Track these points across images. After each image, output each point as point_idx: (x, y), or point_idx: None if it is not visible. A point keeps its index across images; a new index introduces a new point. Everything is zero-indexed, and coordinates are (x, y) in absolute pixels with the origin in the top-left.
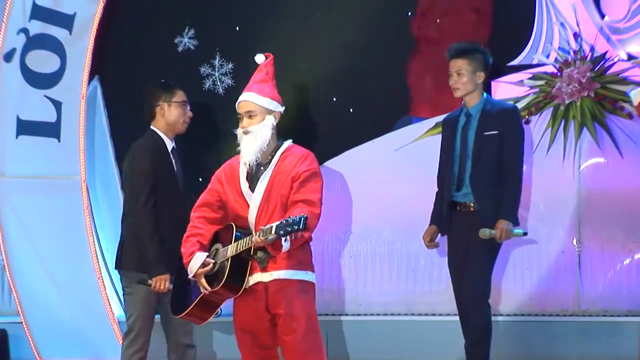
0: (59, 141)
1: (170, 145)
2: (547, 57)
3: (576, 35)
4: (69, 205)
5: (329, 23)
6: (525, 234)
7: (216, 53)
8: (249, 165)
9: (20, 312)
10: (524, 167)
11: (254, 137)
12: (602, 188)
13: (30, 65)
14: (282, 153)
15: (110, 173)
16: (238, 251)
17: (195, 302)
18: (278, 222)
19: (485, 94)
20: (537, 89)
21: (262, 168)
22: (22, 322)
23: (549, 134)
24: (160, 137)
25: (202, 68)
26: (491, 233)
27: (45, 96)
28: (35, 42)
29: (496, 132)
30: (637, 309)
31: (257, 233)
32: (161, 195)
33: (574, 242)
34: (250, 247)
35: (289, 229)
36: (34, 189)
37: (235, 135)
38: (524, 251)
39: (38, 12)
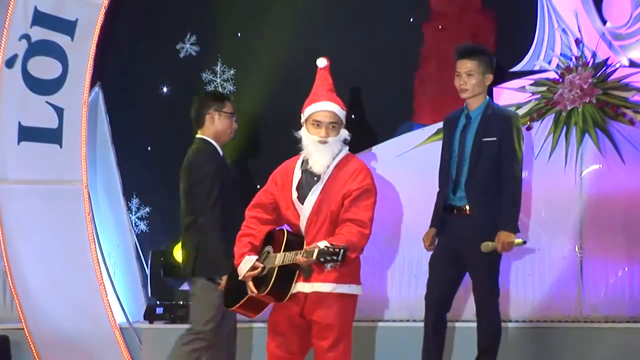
0: (61, 147)
1: (220, 152)
2: (549, 63)
3: (578, 42)
4: (71, 212)
5: (331, 29)
6: (524, 242)
7: (218, 59)
8: (309, 168)
9: (21, 318)
10: (525, 174)
11: (330, 148)
12: (603, 194)
13: (32, 71)
14: (337, 165)
15: (112, 179)
16: (284, 263)
17: (244, 300)
18: (320, 248)
19: (487, 98)
20: (539, 95)
21: (315, 178)
22: (23, 329)
23: (551, 140)
24: (212, 144)
25: (203, 74)
26: (493, 246)
27: (47, 102)
28: (37, 48)
29: (495, 138)
30: (639, 315)
31: (302, 252)
32: (223, 199)
33: (576, 248)
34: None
35: (328, 258)
36: (35, 195)
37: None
38: (525, 258)
39: (40, 18)
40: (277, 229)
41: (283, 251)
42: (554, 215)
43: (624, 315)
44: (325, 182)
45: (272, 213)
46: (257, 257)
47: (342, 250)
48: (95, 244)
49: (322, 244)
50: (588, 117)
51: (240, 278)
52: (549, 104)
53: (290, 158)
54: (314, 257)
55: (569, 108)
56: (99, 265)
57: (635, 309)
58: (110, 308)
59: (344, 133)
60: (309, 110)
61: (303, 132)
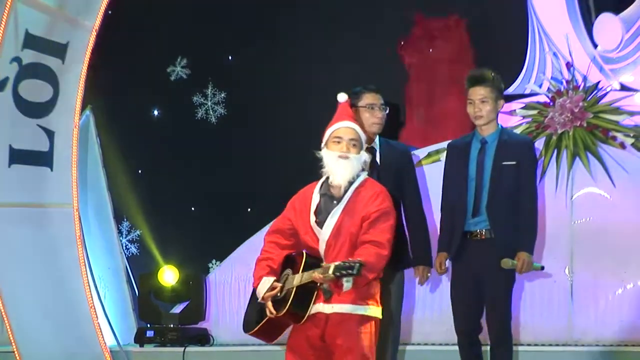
0: (52, 170)
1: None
2: (540, 86)
3: (569, 65)
4: (62, 234)
5: (321, 53)
6: (542, 268)
7: (209, 82)
8: (342, 189)
9: (12, 341)
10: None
11: (351, 164)
12: (594, 218)
13: (23, 94)
14: (356, 188)
15: (102, 202)
16: (302, 282)
17: (263, 323)
18: (337, 263)
19: (499, 124)
20: (530, 119)
21: (334, 202)
22: (14, 352)
23: (542, 164)
24: None
25: (194, 97)
26: (513, 264)
27: (38, 125)
28: (28, 71)
29: (514, 162)
30: (630, 338)
31: (319, 270)
32: None
33: (566, 271)
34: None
35: (344, 272)
36: (26, 217)
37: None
38: (516, 281)
39: (31, 41)
40: (296, 252)
41: (301, 272)
42: (544, 238)
43: (615, 339)
44: (344, 206)
45: (291, 238)
46: (275, 278)
47: (357, 264)
48: (85, 266)
49: (333, 264)
50: (579, 140)
51: (259, 300)
52: (540, 127)
53: (310, 184)
54: (330, 271)
55: (559, 131)
56: (89, 288)
57: (625, 333)
58: (100, 331)
59: (364, 155)
60: (331, 129)
61: (323, 151)
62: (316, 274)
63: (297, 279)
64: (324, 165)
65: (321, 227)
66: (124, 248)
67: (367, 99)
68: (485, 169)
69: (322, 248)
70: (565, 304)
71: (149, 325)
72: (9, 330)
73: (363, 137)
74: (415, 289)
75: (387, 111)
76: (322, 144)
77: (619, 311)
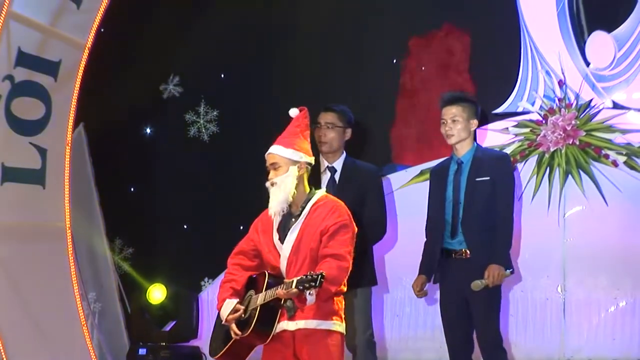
0: (44, 188)
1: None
2: (532, 104)
3: (561, 83)
4: (54, 252)
5: (312, 70)
6: (512, 272)
7: (201, 100)
8: (279, 215)
9: (3, 358)
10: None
11: (279, 188)
12: (587, 236)
13: (15, 112)
14: (313, 204)
15: (95, 220)
16: (265, 301)
17: (228, 345)
18: (299, 277)
19: (475, 143)
20: (522, 137)
21: (292, 219)
22: None
23: (534, 182)
24: None
25: (187, 115)
26: (482, 282)
27: (30, 143)
28: (20, 88)
29: (488, 178)
30: (622, 356)
31: (281, 286)
32: None
33: (559, 289)
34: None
35: (307, 285)
36: (18, 236)
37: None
38: (509, 298)
39: (23, 59)
40: (258, 273)
41: (264, 291)
42: (537, 256)
43: (608, 357)
44: (302, 222)
45: (254, 259)
46: (238, 300)
47: (319, 276)
48: (78, 284)
49: (295, 278)
50: (571, 158)
51: (223, 322)
52: (532, 145)
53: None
54: (293, 285)
55: (552, 149)
56: (82, 305)
57: (618, 351)
58: (93, 349)
59: (293, 170)
60: None
61: None
62: (279, 290)
63: (260, 298)
64: None
65: (283, 244)
66: (117, 266)
67: (319, 117)
68: (461, 187)
69: (283, 265)
70: (558, 322)
71: (141, 344)
72: (1, 347)
73: (287, 152)
74: (405, 307)
75: (345, 131)
76: None
77: (612, 329)
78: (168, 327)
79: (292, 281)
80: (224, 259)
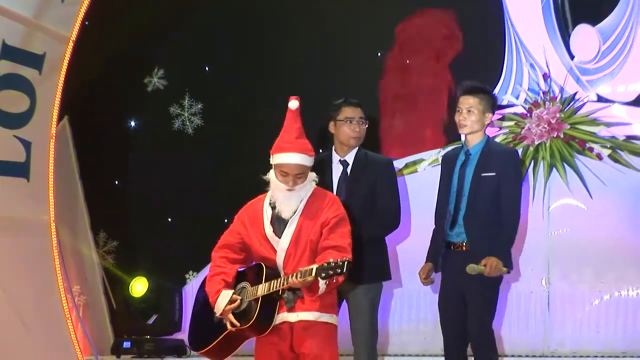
0: (28, 181)
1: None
2: (517, 98)
3: (546, 76)
4: (38, 245)
5: (297, 65)
6: (509, 271)
7: (186, 93)
8: (274, 209)
9: None
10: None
11: (298, 195)
12: (571, 229)
13: None
14: (310, 197)
15: (79, 213)
16: (271, 291)
17: (220, 337)
18: (319, 265)
19: (486, 135)
20: (507, 130)
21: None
22: None
23: None
24: None
25: (171, 108)
26: (477, 268)
27: (14, 136)
28: (4, 81)
29: (494, 174)
30: (606, 349)
31: (295, 274)
32: None
33: (543, 282)
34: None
35: (331, 272)
36: (2, 229)
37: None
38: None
39: (8, 52)
40: (247, 267)
41: (264, 282)
42: (521, 249)
43: (592, 350)
44: (301, 213)
45: (240, 253)
46: (233, 291)
47: (345, 262)
48: (62, 277)
49: (314, 265)
50: (555, 151)
51: (218, 315)
52: (517, 138)
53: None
54: (313, 273)
55: (536, 143)
56: (66, 299)
57: (602, 344)
58: (77, 342)
59: (312, 176)
60: (277, 159)
61: (271, 177)
62: (293, 279)
63: (264, 288)
64: (270, 185)
65: (279, 237)
66: (101, 259)
67: (346, 112)
68: (466, 180)
69: (280, 258)
70: (542, 315)
71: (125, 337)
72: None
73: (309, 161)
74: (391, 300)
75: (367, 125)
76: (272, 163)
77: (596, 322)
78: (152, 321)
79: (312, 269)
80: (208, 251)
